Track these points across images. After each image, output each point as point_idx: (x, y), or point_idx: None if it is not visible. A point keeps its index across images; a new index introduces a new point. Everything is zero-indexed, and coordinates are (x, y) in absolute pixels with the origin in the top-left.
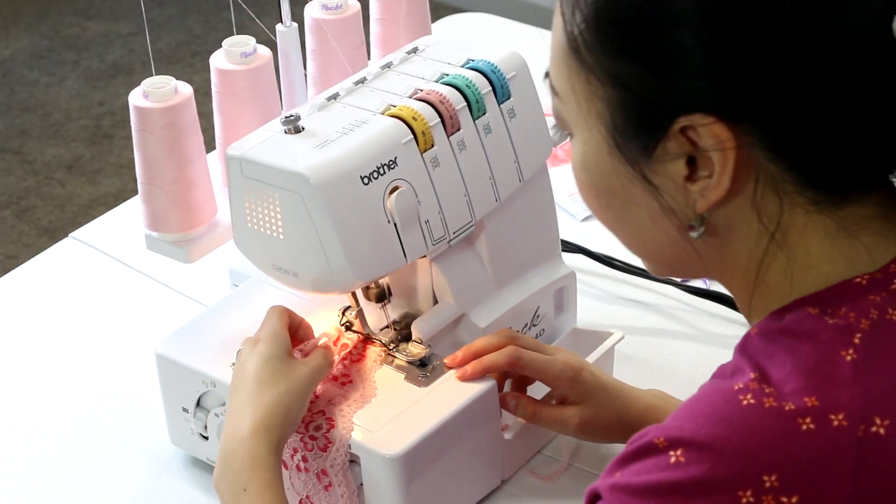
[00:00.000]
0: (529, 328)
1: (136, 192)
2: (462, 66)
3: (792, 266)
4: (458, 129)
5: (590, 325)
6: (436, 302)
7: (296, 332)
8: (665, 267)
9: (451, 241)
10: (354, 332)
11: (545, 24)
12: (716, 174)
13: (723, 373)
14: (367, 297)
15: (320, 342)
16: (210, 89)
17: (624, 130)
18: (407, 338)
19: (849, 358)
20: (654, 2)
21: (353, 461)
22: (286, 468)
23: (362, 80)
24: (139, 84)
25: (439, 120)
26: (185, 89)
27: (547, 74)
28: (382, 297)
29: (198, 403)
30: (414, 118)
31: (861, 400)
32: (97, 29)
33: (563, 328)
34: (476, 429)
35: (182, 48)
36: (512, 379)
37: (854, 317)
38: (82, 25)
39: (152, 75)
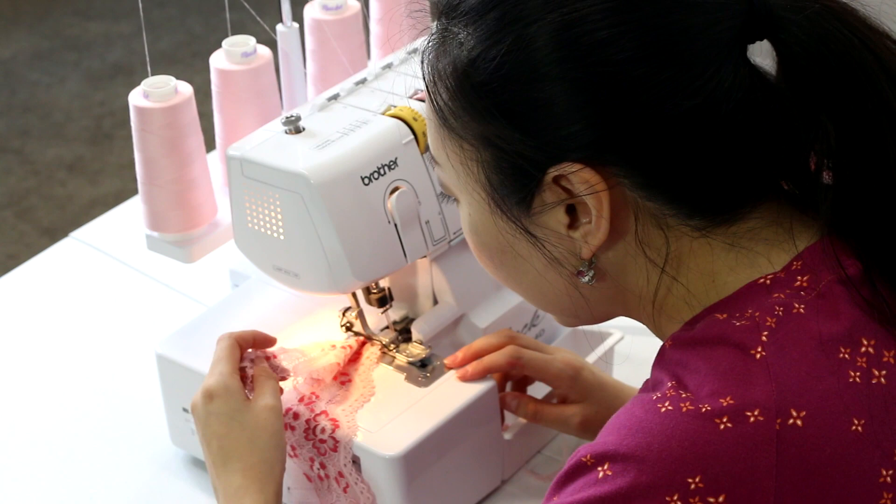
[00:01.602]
0: (529, 328)
1: (136, 192)
2: None
3: (692, 286)
4: None
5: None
6: (436, 302)
7: (253, 346)
8: (569, 317)
9: (451, 241)
10: (355, 332)
11: None
12: (594, 218)
13: (644, 387)
14: (369, 302)
15: (259, 371)
16: (210, 89)
17: (501, 188)
18: (407, 338)
19: (758, 356)
20: (509, 62)
21: (354, 461)
22: (310, 481)
23: (363, 81)
24: (139, 84)
25: None
26: (186, 89)
27: (427, 147)
28: (384, 302)
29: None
30: (414, 118)
31: (775, 394)
32: (98, 29)
33: (562, 328)
34: (476, 429)
35: (182, 48)
36: (512, 380)
37: (760, 315)
38: (83, 26)
39: (152, 76)
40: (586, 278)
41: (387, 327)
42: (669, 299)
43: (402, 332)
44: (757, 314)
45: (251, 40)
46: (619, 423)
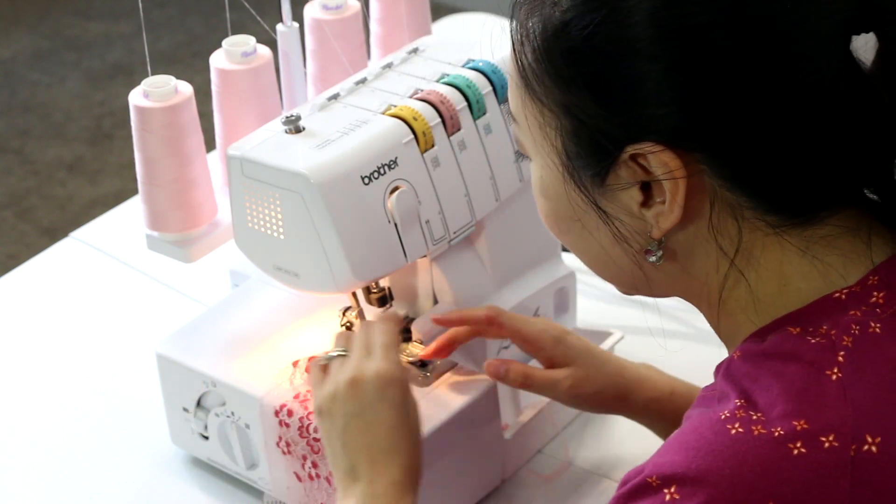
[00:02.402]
0: None
1: (136, 192)
2: (462, 66)
3: (759, 287)
4: (459, 130)
5: (590, 325)
6: (436, 302)
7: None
8: (629, 288)
9: (451, 241)
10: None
11: None
12: (668, 201)
13: (707, 397)
14: (369, 302)
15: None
16: (210, 89)
17: (576, 158)
18: (407, 338)
19: (834, 377)
20: (602, 32)
21: None
22: (300, 481)
23: (363, 81)
24: (139, 84)
25: (440, 120)
26: (186, 89)
27: (505, 99)
28: (384, 301)
29: (198, 403)
30: (414, 118)
31: (850, 419)
32: (98, 29)
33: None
34: (476, 429)
35: (182, 48)
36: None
37: (836, 334)
38: (83, 26)
39: (152, 76)
40: (654, 258)
41: None
42: (735, 293)
43: (403, 332)
44: (833, 332)
45: (251, 40)
46: (686, 443)
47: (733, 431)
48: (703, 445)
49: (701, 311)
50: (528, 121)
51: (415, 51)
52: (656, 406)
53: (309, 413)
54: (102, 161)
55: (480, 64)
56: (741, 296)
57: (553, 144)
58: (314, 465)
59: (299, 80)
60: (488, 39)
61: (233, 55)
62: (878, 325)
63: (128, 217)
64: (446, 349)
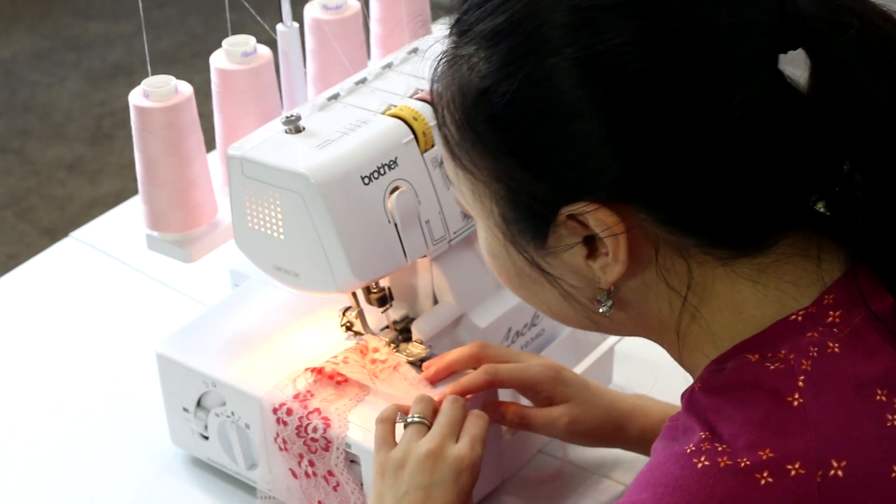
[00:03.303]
0: (529, 328)
1: (136, 192)
2: None
3: (715, 319)
4: None
5: None
6: (436, 302)
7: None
8: (592, 331)
9: (451, 241)
10: (355, 332)
11: None
12: (611, 255)
13: (672, 427)
14: (369, 302)
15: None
16: (210, 89)
17: (514, 223)
18: (407, 338)
19: (796, 403)
20: (523, 97)
21: (354, 461)
22: (296, 478)
23: (363, 80)
24: (140, 84)
25: None
26: (186, 89)
27: (441, 163)
28: (384, 301)
29: (198, 403)
30: (414, 118)
31: (814, 445)
32: (98, 29)
33: (562, 328)
34: None
35: (182, 48)
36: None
37: (794, 358)
38: (83, 26)
39: (152, 76)
40: (603, 308)
41: (387, 327)
42: (693, 328)
43: (402, 332)
44: (791, 356)
45: (251, 40)
46: (654, 479)
47: (699, 465)
48: (671, 481)
49: (664, 347)
50: (462, 189)
51: (415, 51)
52: (651, 436)
53: (308, 413)
54: (102, 161)
55: None
56: (699, 329)
57: (490, 211)
58: (311, 463)
59: (299, 80)
60: None
61: (233, 55)
62: (837, 344)
63: (128, 217)
64: (459, 395)
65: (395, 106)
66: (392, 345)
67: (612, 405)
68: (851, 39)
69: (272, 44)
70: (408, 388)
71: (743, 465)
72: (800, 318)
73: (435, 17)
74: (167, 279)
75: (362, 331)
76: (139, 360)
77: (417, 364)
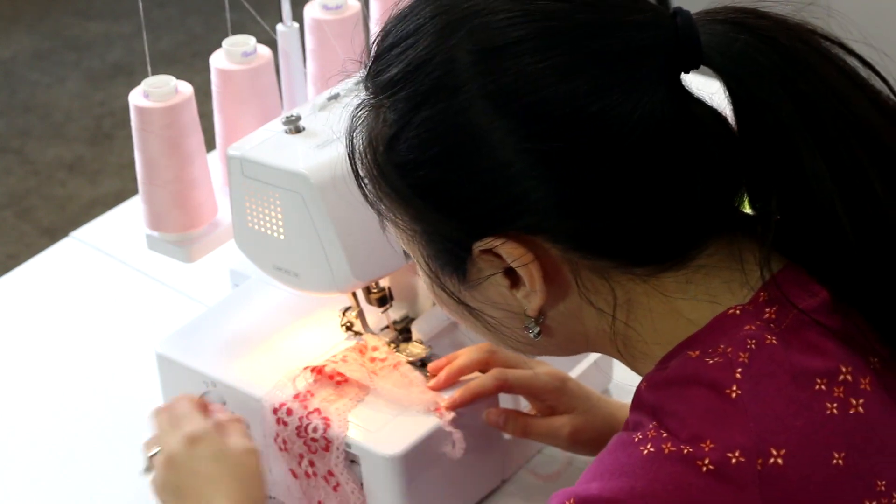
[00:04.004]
0: None
1: (136, 192)
2: None
3: (652, 328)
4: None
5: None
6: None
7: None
8: (535, 354)
9: None
10: (355, 332)
11: None
12: (528, 284)
13: (625, 430)
14: (369, 302)
15: (225, 416)
16: (210, 89)
17: (435, 261)
18: (407, 338)
19: (734, 395)
20: (424, 140)
21: (354, 461)
22: (296, 478)
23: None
24: (140, 84)
25: None
26: (186, 89)
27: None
28: (384, 301)
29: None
30: None
31: (753, 434)
32: (98, 29)
33: None
34: (476, 429)
35: (182, 48)
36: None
37: (732, 351)
38: (83, 26)
39: (152, 76)
40: (532, 334)
41: (387, 327)
42: (631, 339)
43: (402, 332)
44: (729, 350)
45: (251, 40)
46: (602, 466)
47: (645, 452)
48: (618, 466)
49: (614, 357)
50: (390, 231)
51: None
52: None
53: (308, 413)
54: (102, 161)
55: None
56: (637, 340)
57: (413, 249)
58: (311, 463)
59: (299, 80)
60: None
61: (233, 55)
62: (774, 337)
63: (128, 217)
64: (470, 400)
65: None
66: (392, 345)
67: (613, 416)
68: (740, 53)
69: (272, 44)
70: (407, 385)
71: (686, 451)
72: (738, 311)
73: None
74: (167, 279)
75: (362, 331)
76: (139, 360)
77: (417, 364)
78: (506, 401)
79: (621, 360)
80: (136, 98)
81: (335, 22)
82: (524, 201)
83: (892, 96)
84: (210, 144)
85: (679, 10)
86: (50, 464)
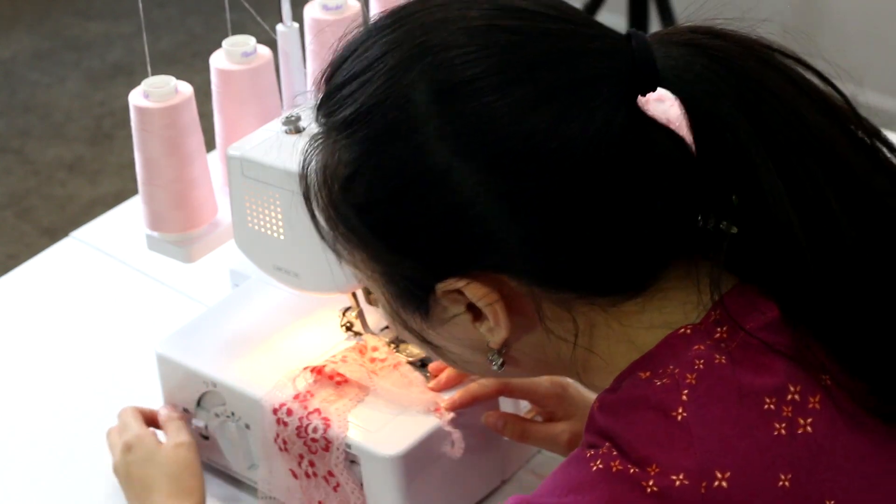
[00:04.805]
0: None
1: (136, 192)
2: None
3: (610, 353)
4: None
5: None
6: None
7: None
8: (499, 377)
9: None
10: (355, 332)
11: None
12: (492, 321)
13: (582, 447)
14: (369, 302)
15: (165, 417)
16: (210, 89)
17: (396, 300)
18: None
19: (679, 418)
20: (383, 184)
21: (354, 461)
22: (296, 478)
23: None
24: (140, 84)
25: None
26: (186, 89)
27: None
28: None
29: (198, 403)
30: None
31: (698, 457)
32: (98, 29)
33: None
34: (476, 429)
35: (182, 48)
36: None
37: (679, 373)
38: (83, 26)
39: (152, 76)
40: (495, 367)
41: (387, 327)
42: (591, 364)
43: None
44: (677, 371)
45: (251, 40)
46: (555, 481)
47: (594, 468)
48: (569, 482)
49: (571, 378)
50: (346, 264)
51: None
52: None
53: (309, 414)
54: (102, 161)
55: None
56: (598, 362)
57: (373, 287)
58: (311, 463)
59: (299, 80)
60: None
61: (233, 55)
62: (723, 357)
63: (128, 217)
64: (469, 402)
65: None
66: (392, 345)
67: None
68: (697, 75)
69: (272, 44)
70: (407, 385)
71: (632, 471)
72: (688, 331)
73: None
74: (167, 279)
75: (362, 331)
76: (139, 360)
77: (417, 364)
78: (506, 404)
79: (579, 382)
80: (136, 98)
81: (335, 22)
82: (487, 241)
83: (853, 117)
84: (210, 144)
85: (634, 34)
86: (50, 464)
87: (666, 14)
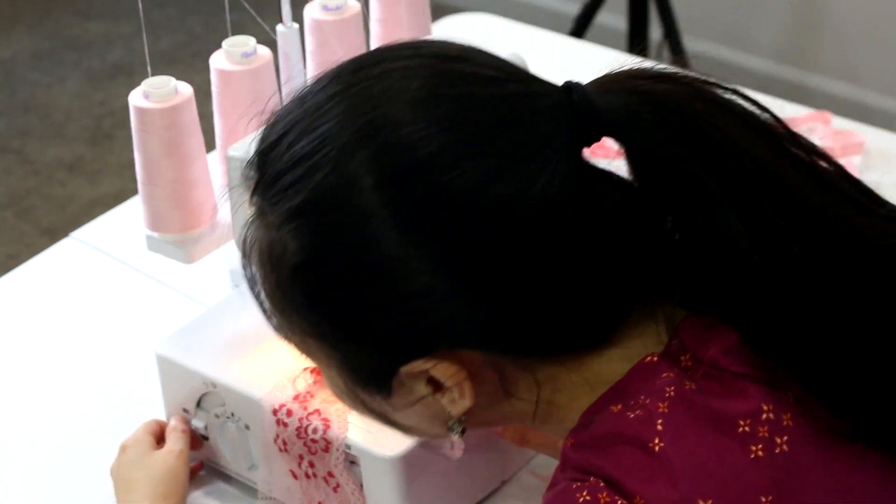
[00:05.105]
0: None
1: (136, 192)
2: None
3: (574, 398)
4: None
5: None
6: None
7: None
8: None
9: None
10: None
11: (546, 24)
12: (456, 394)
13: (550, 487)
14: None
15: (171, 426)
16: (210, 89)
17: (354, 385)
18: None
19: (657, 448)
20: (336, 272)
21: (354, 462)
22: (296, 479)
23: None
24: (140, 84)
25: None
26: (186, 90)
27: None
28: None
29: (198, 404)
30: None
31: (680, 487)
32: (98, 29)
33: None
34: (476, 429)
35: (182, 48)
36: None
37: (651, 402)
38: (83, 26)
39: (152, 77)
40: (455, 434)
41: None
42: (552, 411)
43: None
44: (648, 401)
45: (251, 41)
46: None
47: (581, 499)
48: None
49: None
50: (299, 349)
51: None
52: None
53: (308, 414)
54: (102, 161)
55: None
56: (557, 414)
57: (327, 373)
58: (311, 464)
59: (299, 80)
60: (489, 40)
61: (233, 56)
62: (693, 383)
63: (128, 217)
64: None
65: None
66: None
67: None
68: (641, 122)
69: (272, 44)
70: None
71: (619, 502)
72: (654, 358)
73: (435, 18)
74: (167, 279)
75: None
76: (139, 360)
77: None
78: None
79: (532, 427)
80: (136, 99)
81: (335, 22)
82: (449, 322)
83: (791, 139)
84: (210, 145)
85: (574, 87)
86: (50, 464)
87: (666, 14)
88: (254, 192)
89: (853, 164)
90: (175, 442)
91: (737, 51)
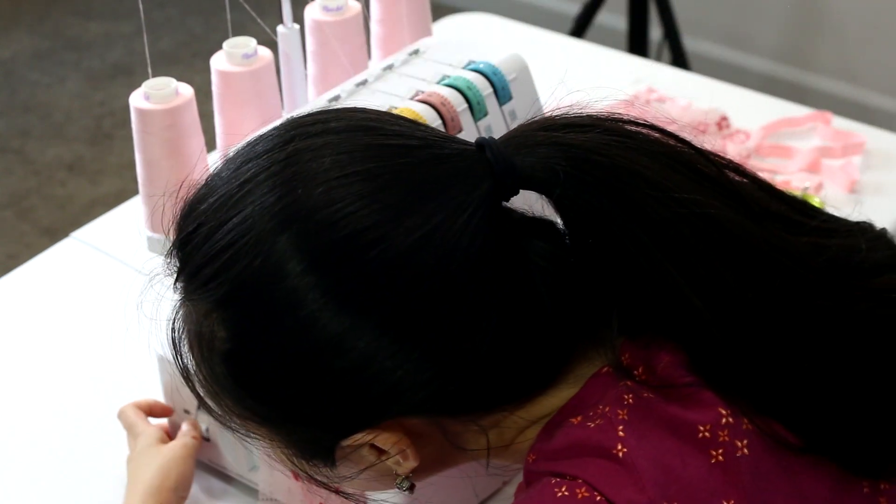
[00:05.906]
0: None
1: (136, 193)
2: (463, 68)
3: (517, 430)
4: (460, 131)
5: None
6: None
7: (151, 411)
8: None
9: None
10: None
11: (546, 24)
12: (400, 457)
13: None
14: None
15: (183, 430)
16: (210, 89)
17: (298, 459)
18: None
19: (621, 454)
20: (267, 358)
21: None
22: (297, 480)
23: (363, 82)
24: (140, 84)
25: (441, 122)
26: (186, 91)
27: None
28: None
29: (199, 405)
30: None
31: (648, 491)
32: (98, 30)
33: None
34: None
35: (183, 49)
36: None
37: (611, 410)
38: (83, 26)
39: (153, 77)
40: (403, 489)
41: None
42: (499, 452)
43: None
44: (607, 409)
45: (252, 41)
46: None
47: (559, 494)
48: None
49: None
50: (241, 433)
51: (416, 52)
52: None
53: None
54: (102, 161)
55: (481, 65)
56: (505, 452)
57: (274, 448)
58: None
59: (300, 81)
60: (489, 40)
61: (233, 57)
62: (650, 392)
63: (128, 217)
64: None
65: (396, 108)
66: None
67: None
68: (559, 172)
69: (272, 45)
70: None
71: (598, 499)
72: (609, 369)
73: (435, 18)
74: (167, 279)
75: None
76: (139, 360)
77: None
78: None
79: (489, 462)
80: (137, 100)
81: (336, 23)
82: (391, 393)
83: (713, 170)
84: (210, 145)
85: (487, 144)
86: (50, 464)
87: (666, 14)
88: (176, 282)
89: (853, 164)
90: (184, 436)
91: (737, 51)
